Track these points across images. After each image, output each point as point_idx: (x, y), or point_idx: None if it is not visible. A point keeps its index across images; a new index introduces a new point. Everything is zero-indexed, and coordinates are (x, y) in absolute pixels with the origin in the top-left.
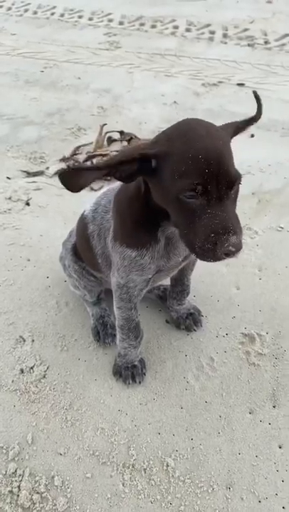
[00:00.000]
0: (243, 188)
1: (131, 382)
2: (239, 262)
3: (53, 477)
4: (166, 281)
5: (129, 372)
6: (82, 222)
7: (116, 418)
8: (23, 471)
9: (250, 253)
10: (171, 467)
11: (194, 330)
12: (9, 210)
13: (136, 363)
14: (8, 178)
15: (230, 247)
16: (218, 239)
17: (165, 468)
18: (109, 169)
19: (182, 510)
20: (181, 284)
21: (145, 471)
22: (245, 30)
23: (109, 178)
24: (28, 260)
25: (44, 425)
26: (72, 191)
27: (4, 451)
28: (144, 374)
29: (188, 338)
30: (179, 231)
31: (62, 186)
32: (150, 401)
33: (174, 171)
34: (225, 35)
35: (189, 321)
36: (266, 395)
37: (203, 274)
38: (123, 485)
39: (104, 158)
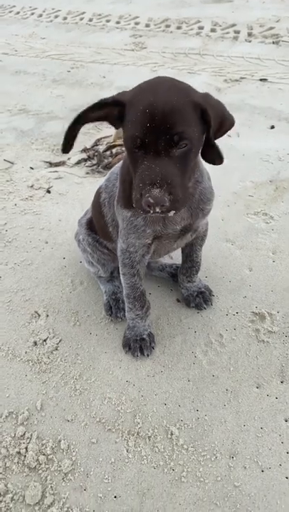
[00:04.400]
0: (262, 176)
1: (139, 354)
2: (253, 245)
3: (59, 441)
4: (179, 260)
5: (137, 345)
6: (97, 192)
7: (124, 388)
8: (31, 435)
9: (264, 237)
10: (176, 436)
11: (204, 308)
12: (31, 197)
13: (144, 336)
14: (31, 168)
15: (150, 198)
16: (143, 189)
17: (169, 436)
18: (87, 112)
19: (184, 476)
20: (190, 260)
21: (149, 438)
22: (271, 28)
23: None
24: (46, 243)
25: (54, 393)
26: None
27: (14, 415)
28: (153, 348)
29: (198, 315)
30: None
31: (82, 175)
32: (158, 373)
33: (128, 120)
34: (250, 34)
35: (199, 299)
36: (274, 370)
37: (216, 256)
38: (127, 451)
39: (123, 148)
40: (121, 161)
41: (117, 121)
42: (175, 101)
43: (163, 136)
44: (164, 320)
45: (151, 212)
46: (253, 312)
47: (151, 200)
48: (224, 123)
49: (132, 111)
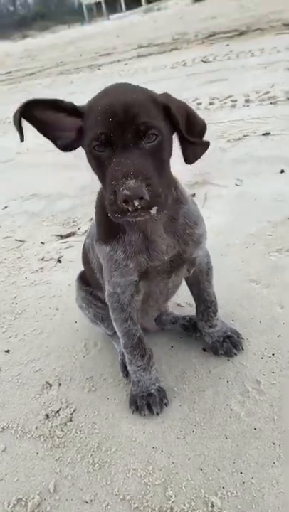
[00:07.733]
0: (277, 215)
1: (147, 413)
2: (280, 282)
3: None
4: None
5: (144, 402)
6: (85, 240)
7: (150, 456)
8: None
9: None
10: (218, 507)
11: (234, 354)
12: (41, 268)
13: (152, 391)
14: (42, 243)
15: (126, 191)
16: (116, 185)
17: (210, 509)
18: (38, 103)
19: None
20: (202, 300)
21: None
22: (267, 92)
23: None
24: (57, 309)
25: (69, 471)
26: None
27: (23, 503)
28: (166, 404)
29: (228, 363)
30: None
31: None
32: (189, 434)
33: (88, 125)
34: (247, 100)
35: (227, 345)
36: None
37: (241, 298)
38: None
39: None
40: None
41: (74, 141)
42: (135, 95)
43: (129, 128)
44: (190, 373)
45: (130, 210)
46: None
47: (128, 192)
48: (194, 122)
49: (92, 115)
